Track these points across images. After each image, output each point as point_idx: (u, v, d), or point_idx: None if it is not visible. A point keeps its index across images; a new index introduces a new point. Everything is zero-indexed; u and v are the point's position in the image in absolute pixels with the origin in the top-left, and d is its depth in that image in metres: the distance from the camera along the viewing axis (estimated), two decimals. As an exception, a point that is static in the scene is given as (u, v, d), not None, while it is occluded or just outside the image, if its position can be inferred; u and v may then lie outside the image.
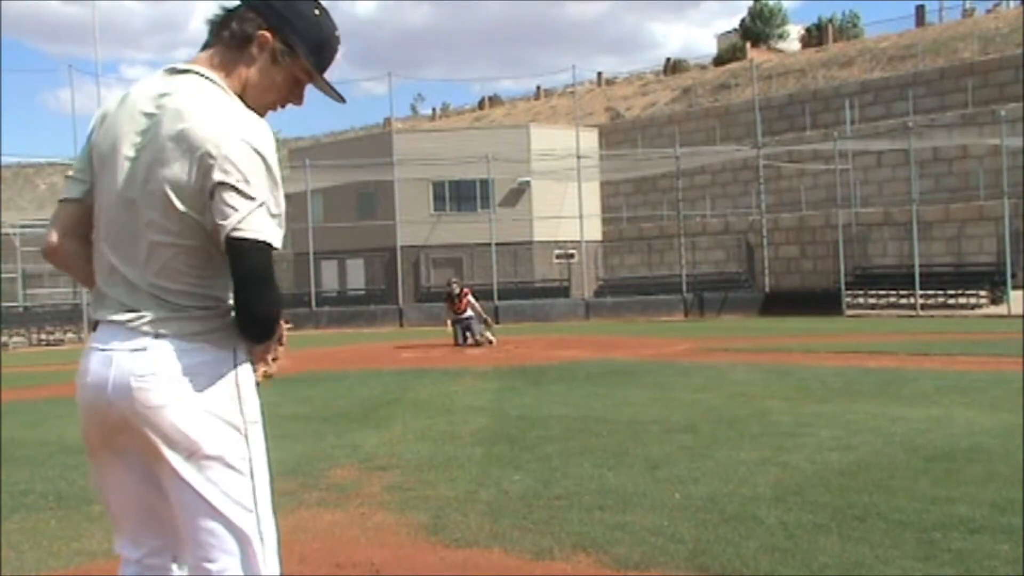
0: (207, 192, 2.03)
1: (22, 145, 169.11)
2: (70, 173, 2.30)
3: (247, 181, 2.03)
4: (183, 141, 2.05)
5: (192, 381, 2.08)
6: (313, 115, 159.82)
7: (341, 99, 2.33)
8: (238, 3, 2.18)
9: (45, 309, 31.31)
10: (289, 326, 2.40)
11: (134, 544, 2.26)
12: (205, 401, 2.09)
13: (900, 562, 4.04)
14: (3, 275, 32.81)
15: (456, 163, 32.27)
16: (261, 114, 2.19)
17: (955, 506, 4.88)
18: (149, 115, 2.12)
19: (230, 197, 2.02)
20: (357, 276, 37.14)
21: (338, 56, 2.31)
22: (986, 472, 5.71)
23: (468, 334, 18.93)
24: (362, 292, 36.37)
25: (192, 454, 2.08)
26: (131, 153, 2.12)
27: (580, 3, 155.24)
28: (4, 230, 33.55)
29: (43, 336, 28.63)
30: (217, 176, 2.02)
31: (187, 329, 2.10)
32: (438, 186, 35.30)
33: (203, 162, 2.03)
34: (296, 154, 41.23)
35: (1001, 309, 24.67)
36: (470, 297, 19.02)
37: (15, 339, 27.83)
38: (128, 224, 2.12)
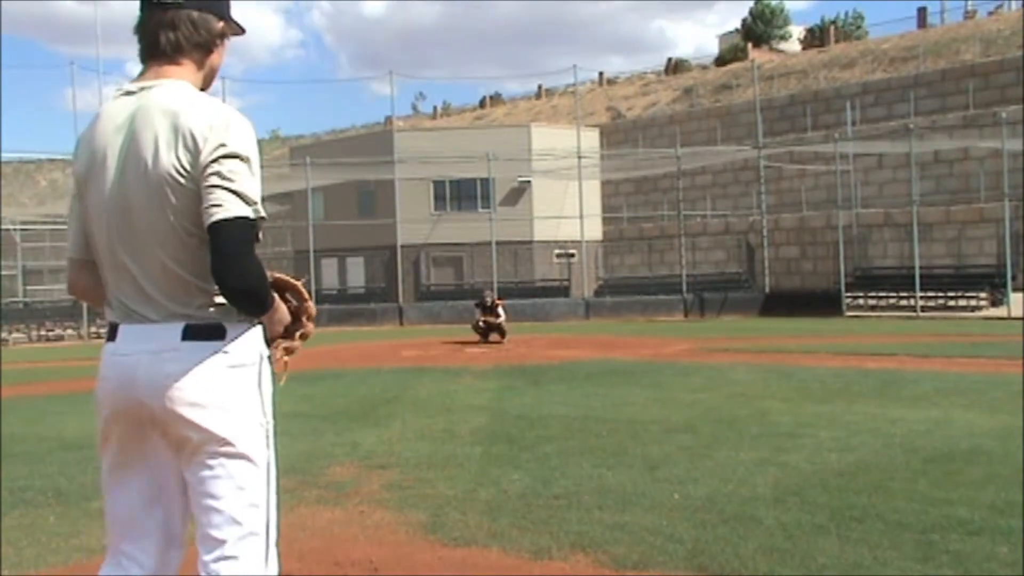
0: (203, 175, 2.09)
1: (23, 141, 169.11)
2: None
3: (238, 164, 2.10)
4: (176, 132, 2.11)
5: (223, 382, 2.15)
6: (314, 113, 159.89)
7: (243, 30, 2.39)
8: (173, 5, 2.20)
9: (45, 305, 31.29)
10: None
11: (121, 556, 2.27)
12: (234, 401, 2.16)
13: (899, 563, 4.04)
14: (3, 271, 32.81)
15: (457, 162, 32.23)
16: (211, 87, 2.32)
17: (954, 508, 4.89)
18: (131, 121, 2.16)
19: (218, 179, 2.08)
20: (357, 274, 37.14)
21: None
22: (985, 474, 5.72)
23: (492, 334, 19.86)
24: (362, 290, 36.37)
25: (222, 450, 2.16)
26: (120, 163, 2.16)
27: (583, 3, 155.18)
28: (4, 226, 33.55)
29: (43, 332, 28.62)
30: (215, 154, 2.08)
31: (213, 331, 2.16)
32: (439, 185, 35.29)
33: (198, 147, 2.09)
34: (297, 152, 41.24)
35: (1001, 311, 24.66)
36: (500, 309, 19.95)
37: (15, 335, 27.82)
38: (135, 230, 2.16)
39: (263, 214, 2.10)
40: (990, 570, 3.94)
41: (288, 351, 2.36)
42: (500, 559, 4.32)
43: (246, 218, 2.06)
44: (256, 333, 2.23)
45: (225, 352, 2.16)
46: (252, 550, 2.19)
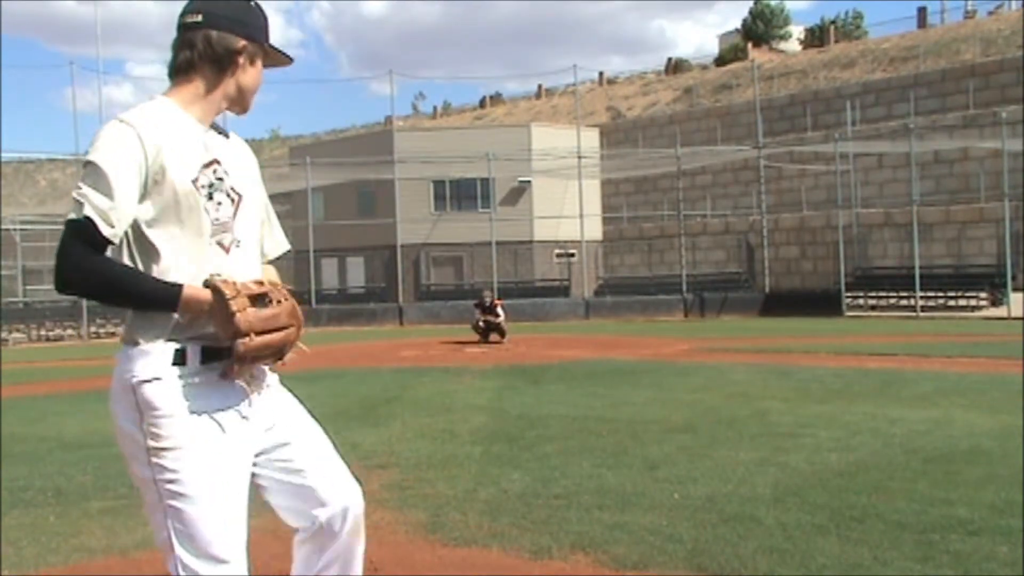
0: None
1: (23, 141, 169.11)
2: None
3: (84, 170, 2.19)
4: None
5: (116, 402, 2.26)
6: (314, 113, 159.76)
7: (289, 60, 2.47)
8: (195, 25, 2.28)
9: (45, 305, 31.26)
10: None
11: None
12: (121, 422, 2.26)
13: (898, 563, 4.04)
14: (3, 271, 32.80)
15: (457, 162, 32.24)
16: (250, 105, 2.40)
17: (954, 508, 4.88)
18: None
19: None
20: (357, 274, 37.15)
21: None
22: (985, 474, 5.71)
23: (491, 334, 19.93)
24: (362, 290, 36.37)
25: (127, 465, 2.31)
26: None
27: (583, 3, 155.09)
28: (4, 226, 33.54)
29: (43, 332, 28.61)
30: None
31: (120, 348, 2.28)
32: (439, 185, 35.29)
33: None
34: (297, 152, 41.25)
35: (1001, 311, 24.67)
36: (499, 309, 20.07)
37: (15, 335, 27.81)
38: None
39: (86, 213, 2.10)
40: (990, 570, 3.94)
41: (236, 370, 2.26)
42: (500, 559, 4.32)
43: (71, 220, 2.13)
44: (141, 354, 2.22)
45: (118, 374, 2.26)
46: (170, 564, 2.25)
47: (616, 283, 36.43)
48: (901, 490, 5.34)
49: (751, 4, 65.27)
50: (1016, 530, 4.43)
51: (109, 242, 2.14)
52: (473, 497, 5.49)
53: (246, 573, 2.29)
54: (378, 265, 35.81)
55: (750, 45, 59.62)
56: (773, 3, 64.74)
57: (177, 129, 2.23)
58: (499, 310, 19.98)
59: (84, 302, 28.76)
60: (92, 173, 2.14)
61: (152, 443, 2.20)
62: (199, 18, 2.26)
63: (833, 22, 60.67)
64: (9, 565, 4.42)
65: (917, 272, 26.28)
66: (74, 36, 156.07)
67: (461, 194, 35.59)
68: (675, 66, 61.84)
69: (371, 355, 17.71)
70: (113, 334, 28.36)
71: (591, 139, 37.88)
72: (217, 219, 2.26)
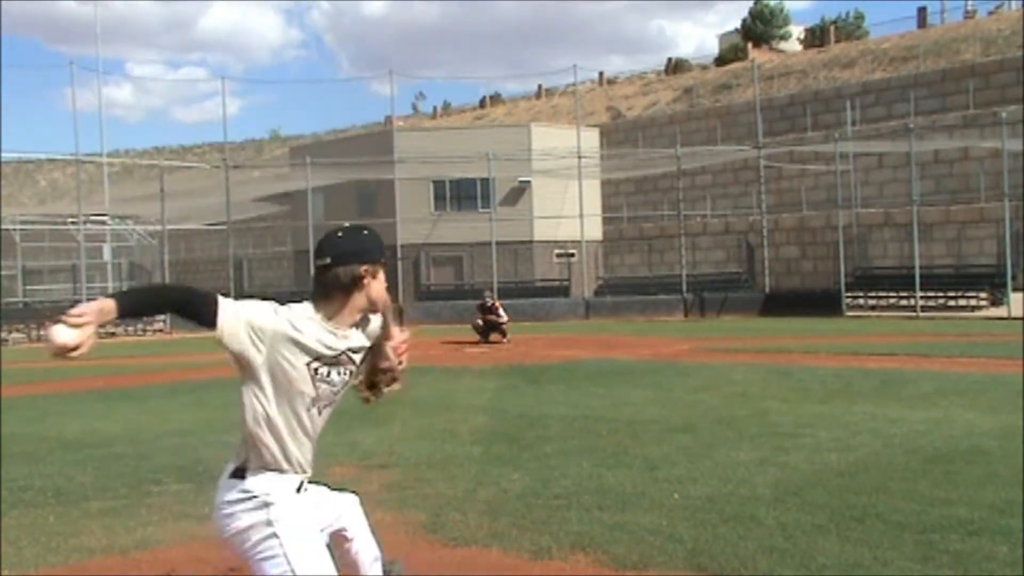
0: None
1: (23, 141, 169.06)
2: None
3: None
4: None
5: (230, 507, 2.83)
6: (314, 113, 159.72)
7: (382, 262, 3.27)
8: (325, 267, 2.87)
9: (45, 305, 31.26)
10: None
11: None
12: (237, 523, 2.83)
13: (898, 563, 4.04)
14: (3, 271, 32.81)
15: (457, 162, 32.23)
16: (381, 306, 3.05)
17: (954, 508, 4.89)
18: None
19: None
20: (357, 274, 37.12)
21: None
22: (985, 474, 5.72)
23: (492, 334, 20.03)
24: (362, 290, 36.32)
25: None
26: None
27: (583, 3, 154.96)
28: (4, 226, 33.55)
29: (43, 332, 28.44)
30: None
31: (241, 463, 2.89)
32: (439, 185, 35.26)
33: None
34: (297, 151, 41.22)
35: (1001, 311, 24.66)
36: (500, 310, 20.28)
37: (15, 335, 27.80)
38: None
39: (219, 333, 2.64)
40: (990, 570, 3.94)
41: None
42: (500, 559, 4.33)
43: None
44: (272, 479, 2.79)
45: (242, 488, 2.83)
46: None
47: (616, 283, 36.41)
48: (901, 490, 5.34)
49: (751, 4, 65.28)
50: (1016, 530, 4.43)
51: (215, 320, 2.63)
52: (473, 497, 5.49)
53: None
54: (378, 265, 35.79)
55: (750, 45, 59.61)
56: (773, 3, 64.73)
57: (312, 329, 2.76)
58: (500, 311, 20.09)
59: (84, 301, 28.72)
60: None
61: (267, 541, 2.70)
62: (327, 260, 2.84)
63: (833, 22, 60.70)
64: (9, 565, 4.42)
65: (917, 272, 26.27)
66: (74, 36, 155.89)
67: (461, 194, 35.55)
68: (675, 66, 61.84)
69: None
70: (113, 334, 28.38)
71: (591, 139, 37.86)
72: (327, 392, 2.82)
